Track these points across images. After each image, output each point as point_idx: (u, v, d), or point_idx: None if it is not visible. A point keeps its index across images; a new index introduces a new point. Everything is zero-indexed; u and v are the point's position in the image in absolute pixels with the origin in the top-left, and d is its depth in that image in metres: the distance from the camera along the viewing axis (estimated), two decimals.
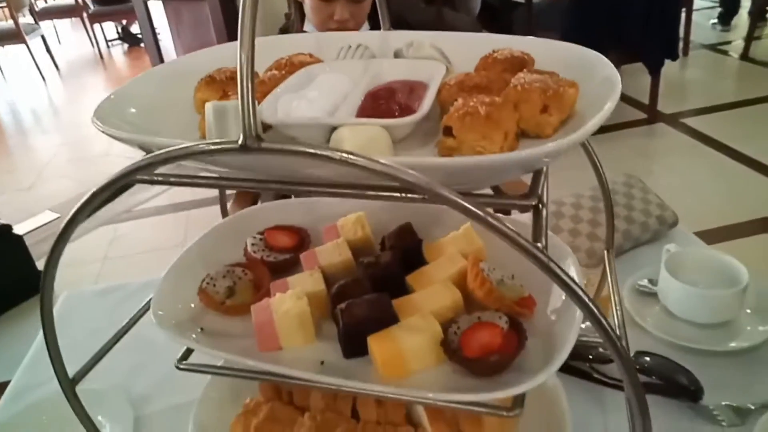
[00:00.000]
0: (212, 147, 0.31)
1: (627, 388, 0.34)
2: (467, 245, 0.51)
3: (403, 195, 0.33)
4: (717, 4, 5.19)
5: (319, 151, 0.29)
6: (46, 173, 4.13)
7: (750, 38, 4.50)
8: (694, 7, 4.77)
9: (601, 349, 0.83)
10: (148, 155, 0.33)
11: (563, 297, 0.46)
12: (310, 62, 0.48)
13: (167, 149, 0.32)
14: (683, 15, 4.54)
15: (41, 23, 6.64)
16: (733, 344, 0.82)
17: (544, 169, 0.34)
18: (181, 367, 0.48)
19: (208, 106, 0.39)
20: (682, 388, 0.76)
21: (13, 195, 3.83)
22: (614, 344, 0.33)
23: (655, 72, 3.57)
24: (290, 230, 0.57)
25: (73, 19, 7.98)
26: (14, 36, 5.79)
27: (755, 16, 4.49)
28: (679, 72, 4.47)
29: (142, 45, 6.95)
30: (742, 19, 5.02)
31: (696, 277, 0.87)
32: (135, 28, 7.03)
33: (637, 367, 0.79)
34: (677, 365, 0.79)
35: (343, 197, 0.39)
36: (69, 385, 0.49)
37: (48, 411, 0.84)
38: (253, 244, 0.56)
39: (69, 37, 8.14)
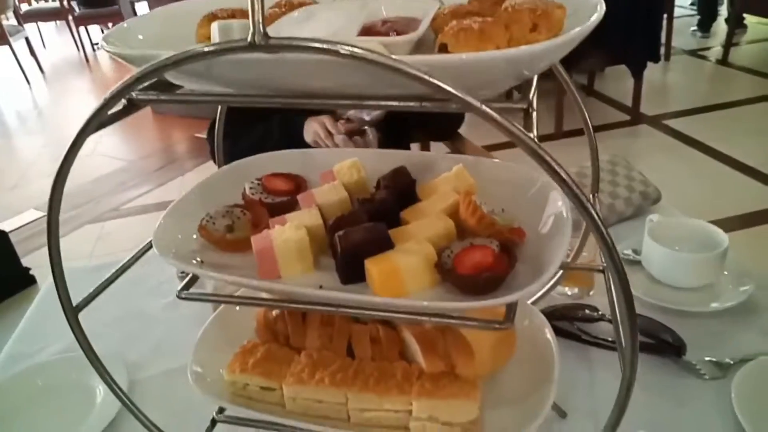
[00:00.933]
0: (220, 47, 0.32)
1: (607, 262, 0.36)
2: (459, 184, 0.53)
3: (408, 103, 0.35)
4: (696, 12, 5.32)
5: (327, 46, 0.30)
6: (30, 173, 4.10)
7: (728, 44, 4.62)
8: (675, 14, 4.89)
9: (587, 311, 0.85)
10: (156, 61, 0.34)
11: (551, 226, 0.48)
12: (309, 2, 0.50)
13: (174, 53, 0.33)
14: (665, 21, 4.66)
15: (26, 26, 6.60)
16: (714, 305, 0.85)
17: (534, 78, 0.37)
18: (183, 296, 0.49)
19: (214, 25, 0.41)
20: (666, 344, 0.79)
21: None
22: (593, 219, 0.34)
23: (638, 74, 3.65)
24: (287, 176, 0.59)
25: (58, 22, 7.94)
26: None
27: (732, 23, 4.61)
28: (661, 76, 4.56)
29: None
30: (721, 26, 5.14)
31: (677, 243, 0.90)
32: None
33: None
34: (661, 324, 0.81)
35: (346, 108, 0.41)
36: (72, 312, 0.50)
37: (42, 375, 0.85)
38: (251, 188, 0.57)
39: (54, 40, 8.08)
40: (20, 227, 3.26)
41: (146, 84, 0.40)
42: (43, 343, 0.95)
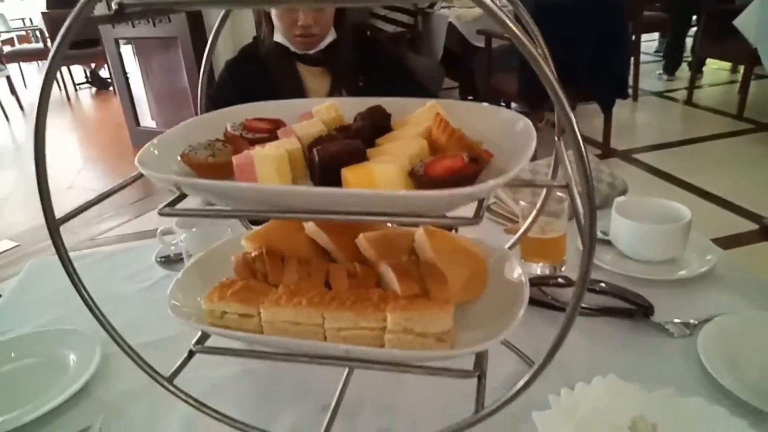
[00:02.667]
0: None
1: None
2: (431, 115, 0.56)
3: None
4: (661, 58, 5.60)
5: None
6: (5, 206, 4.04)
7: (692, 86, 4.87)
8: (642, 60, 5.15)
9: (559, 279, 0.88)
10: None
11: (515, 146, 0.51)
12: None
13: None
14: (632, 65, 4.89)
15: (8, 65, 6.64)
16: (680, 273, 0.89)
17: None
18: (165, 212, 0.50)
19: None
20: (635, 307, 0.81)
21: None
22: (569, 118, 0.37)
23: (607, 110, 3.80)
24: (268, 120, 0.61)
25: (41, 62, 8.00)
26: None
27: (695, 67, 4.86)
28: (630, 115, 4.76)
29: (110, 89, 7.00)
30: (685, 70, 5.42)
31: (643, 220, 0.94)
32: (104, 72, 7.08)
33: (596, 289, 0.84)
34: (630, 291, 0.84)
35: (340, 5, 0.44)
36: (54, 224, 0.51)
37: (18, 347, 0.84)
38: (232, 127, 0.60)
39: (35, 80, 8.12)
40: None
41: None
42: (13, 325, 0.94)
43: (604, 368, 0.70)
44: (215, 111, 0.64)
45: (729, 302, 0.84)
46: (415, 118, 0.57)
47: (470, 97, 4.11)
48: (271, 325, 0.54)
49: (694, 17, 5.13)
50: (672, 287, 0.88)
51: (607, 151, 3.90)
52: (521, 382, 0.50)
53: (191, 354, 0.58)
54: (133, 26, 4.37)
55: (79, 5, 0.41)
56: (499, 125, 0.56)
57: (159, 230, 1.05)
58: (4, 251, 3.31)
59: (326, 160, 0.48)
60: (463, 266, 0.59)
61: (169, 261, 1.05)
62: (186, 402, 0.57)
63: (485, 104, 0.59)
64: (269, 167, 0.49)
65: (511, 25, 0.34)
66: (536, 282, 0.86)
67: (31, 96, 7.17)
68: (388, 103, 0.61)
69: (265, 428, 0.58)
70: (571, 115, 0.39)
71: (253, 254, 0.61)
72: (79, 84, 7.32)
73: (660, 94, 5.16)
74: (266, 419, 0.68)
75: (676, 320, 0.80)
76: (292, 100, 0.66)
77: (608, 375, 0.67)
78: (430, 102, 0.58)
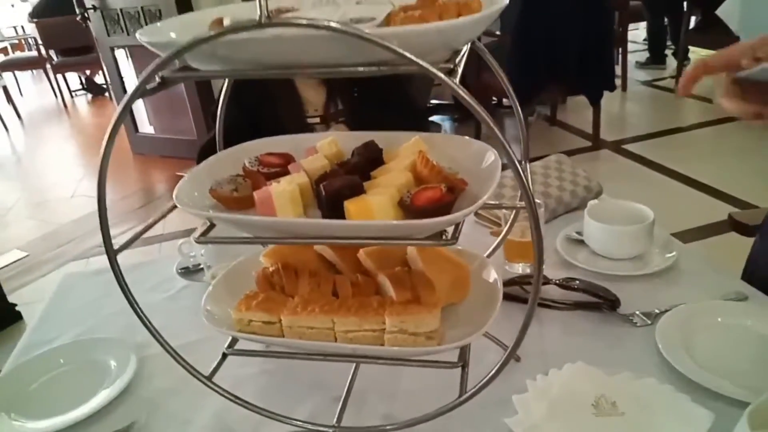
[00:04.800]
0: (237, 26, 0.46)
1: (516, 179, 0.50)
2: (416, 150, 0.67)
3: (371, 68, 0.48)
4: (646, 48, 5.69)
5: (314, 22, 0.44)
6: (10, 217, 4.14)
7: (679, 75, 4.95)
8: (630, 49, 5.25)
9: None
10: (177, 46, 0.48)
11: (485, 175, 0.62)
12: (293, 10, 0.64)
13: (194, 37, 0.47)
14: (620, 55, 4.99)
15: (3, 74, 6.70)
16: (644, 270, 1.00)
17: (463, 49, 0.51)
18: (200, 240, 0.61)
19: (226, 19, 0.55)
20: (603, 301, 0.92)
21: None
22: (513, 162, 0.48)
23: (595, 103, 3.91)
24: (279, 154, 0.72)
25: (35, 71, 8.07)
26: None
27: (681, 56, 4.95)
28: (619, 105, 4.86)
29: (106, 94, 7.08)
30: (672, 59, 5.52)
31: (612, 222, 1.05)
32: (99, 78, 7.14)
33: (572, 286, 0.95)
34: (599, 285, 0.95)
35: (331, 76, 0.54)
36: (113, 252, 0.61)
37: (65, 355, 0.95)
38: (249, 163, 0.70)
39: (31, 88, 8.19)
40: (4, 267, 3.31)
41: (176, 68, 0.53)
42: (56, 334, 1.05)
43: (576, 356, 0.81)
44: (233, 148, 0.75)
45: (688, 294, 0.95)
46: (403, 151, 0.68)
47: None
48: (291, 329, 0.65)
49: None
50: (638, 282, 0.99)
51: (596, 143, 4.02)
52: (495, 368, 0.61)
53: (224, 356, 0.69)
54: (128, 34, 4.47)
55: (139, 80, 0.51)
56: (472, 155, 0.67)
57: (179, 243, 1.16)
58: (15, 261, 3.41)
59: (331, 194, 0.59)
60: (449, 273, 0.70)
61: (189, 272, 1.16)
62: (223, 396, 0.68)
63: (461, 137, 0.70)
64: (285, 200, 0.60)
65: (452, 84, 0.45)
66: (518, 281, 0.98)
67: (27, 105, 7.25)
68: (379, 137, 0.71)
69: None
70: (514, 156, 0.49)
71: (271, 269, 0.72)
72: (74, 91, 7.39)
73: (649, 84, 5.27)
74: (286, 410, 0.79)
75: (639, 312, 0.91)
76: (297, 135, 0.77)
77: (577, 362, 0.78)
78: (414, 138, 0.69)
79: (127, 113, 0.49)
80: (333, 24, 0.44)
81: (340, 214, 0.59)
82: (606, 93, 3.85)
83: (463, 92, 0.45)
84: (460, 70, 0.48)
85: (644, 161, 3.69)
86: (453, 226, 0.56)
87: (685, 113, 4.58)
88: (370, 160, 0.67)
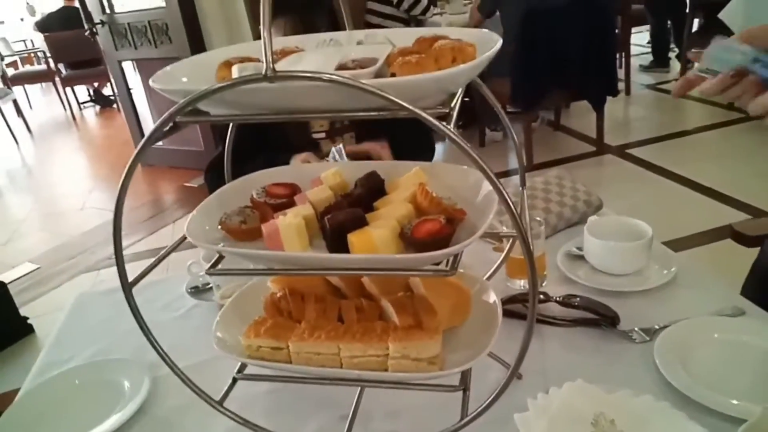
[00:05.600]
0: (244, 79, 0.49)
1: (511, 220, 0.52)
2: (416, 180, 0.70)
3: (371, 114, 0.51)
4: (650, 51, 5.69)
5: (316, 75, 0.47)
6: (21, 229, 4.20)
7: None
8: (634, 52, 5.26)
9: (541, 296, 1.01)
10: (190, 95, 0.51)
11: (482, 206, 0.65)
12: (297, 51, 0.67)
13: (213, 86, 0.50)
14: (623, 59, 5.00)
15: (13, 88, 6.80)
16: (643, 286, 1.02)
17: (458, 92, 0.54)
18: (211, 272, 0.64)
19: (234, 67, 0.58)
20: (603, 317, 0.95)
21: None
22: (505, 199, 0.51)
23: (599, 108, 3.93)
24: (285, 185, 0.75)
25: (44, 84, 8.18)
26: None
27: (684, 59, 4.96)
28: (623, 109, 4.87)
29: (114, 106, 7.16)
30: (676, 61, 5.52)
31: (612, 238, 1.07)
32: (107, 90, 7.24)
33: (573, 304, 0.97)
34: (599, 302, 0.97)
35: (333, 119, 0.57)
36: (128, 286, 0.64)
37: (80, 376, 0.98)
38: (257, 194, 0.73)
39: (40, 101, 8.29)
40: (16, 279, 3.36)
41: (186, 111, 0.56)
42: (72, 354, 1.08)
43: (576, 373, 0.84)
44: (240, 179, 0.78)
45: (686, 309, 0.97)
46: (404, 182, 0.71)
47: (466, 99, 4.22)
48: (298, 355, 0.68)
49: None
50: (637, 297, 1.02)
51: (601, 148, 4.03)
52: (496, 391, 0.63)
53: (234, 381, 0.72)
54: (135, 48, 4.53)
55: (155, 126, 0.54)
56: (471, 185, 0.70)
57: (188, 264, 1.19)
58: (27, 274, 3.47)
59: (335, 227, 0.62)
60: (450, 298, 0.73)
61: (198, 291, 1.19)
62: (233, 420, 0.71)
63: (460, 167, 0.73)
64: (291, 233, 0.63)
65: (446, 131, 0.47)
66: (519, 298, 1.00)
67: (37, 117, 7.34)
68: (381, 167, 0.74)
69: None
70: (504, 192, 0.51)
71: (278, 295, 0.75)
72: (83, 103, 7.48)
73: (653, 87, 5.27)
74: (295, 428, 0.82)
75: (638, 328, 0.93)
76: (302, 165, 0.80)
77: (577, 380, 0.81)
78: (415, 168, 0.72)
79: (143, 156, 0.52)
80: (336, 77, 0.47)
81: (344, 246, 0.62)
82: (610, 97, 3.87)
83: (456, 137, 0.47)
84: (454, 114, 0.51)
85: (648, 165, 3.70)
86: (452, 257, 0.59)
87: (690, 116, 4.58)
88: (372, 190, 0.70)
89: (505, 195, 0.51)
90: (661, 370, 0.82)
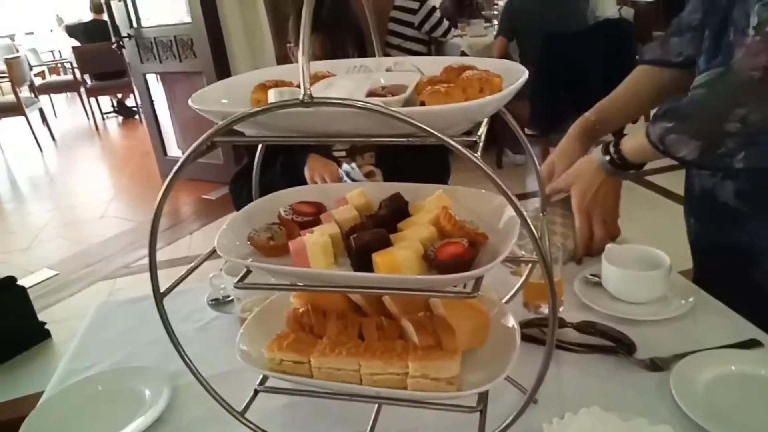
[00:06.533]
0: (282, 104, 0.51)
1: (534, 246, 0.54)
2: (440, 203, 0.72)
3: (401, 139, 0.53)
4: None
5: (350, 102, 0.49)
6: (41, 236, 4.27)
7: None
8: None
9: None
10: (229, 117, 0.53)
11: (505, 230, 0.67)
12: (328, 76, 0.70)
13: (243, 111, 0.52)
14: None
15: (40, 97, 6.97)
16: (661, 316, 1.02)
17: (484, 121, 0.56)
18: (238, 286, 0.66)
19: (271, 91, 0.60)
20: (619, 344, 0.95)
21: (11, 255, 3.96)
22: (528, 226, 0.52)
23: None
24: (311, 203, 0.77)
25: (69, 94, 8.37)
26: (15, 109, 6.08)
27: None
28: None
29: (136, 117, 7.30)
30: None
31: (629, 266, 1.08)
32: (130, 102, 7.38)
33: (589, 330, 0.98)
34: (616, 330, 0.98)
35: (366, 143, 0.59)
36: (159, 296, 0.66)
37: (103, 382, 1.00)
38: (284, 211, 0.76)
39: (65, 110, 8.47)
40: (34, 285, 3.41)
41: (222, 131, 0.59)
42: (92, 362, 1.11)
43: (591, 399, 0.84)
44: (268, 196, 0.80)
45: (704, 339, 0.97)
46: (428, 205, 0.73)
47: None
48: (319, 370, 0.69)
49: None
50: (654, 326, 1.02)
51: None
52: (513, 415, 0.64)
53: (256, 393, 0.73)
54: (160, 61, 4.63)
55: (194, 146, 0.57)
56: (494, 209, 0.72)
57: (210, 276, 1.22)
58: (45, 280, 3.52)
59: (361, 247, 0.64)
60: (469, 319, 0.74)
61: (219, 303, 1.21)
62: (253, 431, 0.72)
63: (484, 191, 0.75)
64: (318, 251, 0.65)
65: (474, 158, 0.49)
66: (537, 323, 1.01)
67: (61, 126, 7.50)
68: (405, 189, 0.76)
69: None
70: (527, 219, 0.53)
71: (301, 310, 0.77)
72: (106, 113, 7.63)
73: None
74: None
75: (655, 357, 0.93)
76: (328, 185, 0.83)
77: (592, 406, 0.81)
78: (438, 191, 0.74)
79: (180, 174, 0.55)
80: (369, 105, 0.50)
81: (368, 265, 0.63)
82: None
83: (483, 166, 0.49)
84: (481, 143, 0.53)
85: (666, 192, 3.69)
86: (474, 280, 0.60)
87: None
88: (396, 211, 0.72)
89: (529, 223, 0.53)
90: (677, 401, 0.83)
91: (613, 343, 0.96)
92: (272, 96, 0.60)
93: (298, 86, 0.51)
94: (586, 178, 1.18)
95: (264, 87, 0.67)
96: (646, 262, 1.08)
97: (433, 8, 4.24)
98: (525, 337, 0.92)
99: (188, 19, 4.24)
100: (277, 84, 0.67)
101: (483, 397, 0.68)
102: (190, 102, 0.61)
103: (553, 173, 1.28)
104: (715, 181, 1.13)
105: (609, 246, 1.13)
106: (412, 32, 4.30)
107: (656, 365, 0.92)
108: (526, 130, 3.96)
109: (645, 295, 1.06)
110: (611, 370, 0.94)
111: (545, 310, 1.08)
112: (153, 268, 0.63)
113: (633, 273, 1.05)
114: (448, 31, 4.34)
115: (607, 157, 1.15)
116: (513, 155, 4.44)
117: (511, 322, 0.75)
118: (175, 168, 0.58)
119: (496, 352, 0.73)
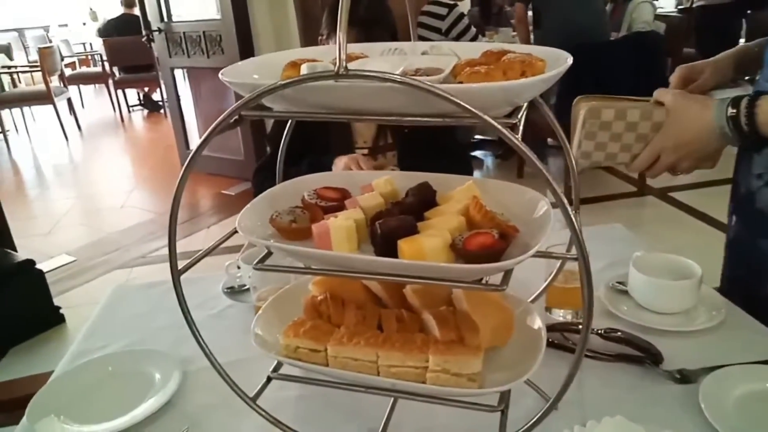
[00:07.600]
0: (316, 75, 0.49)
1: (573, 239, 0.51)
2: (469, 194, 0.69)
3: (435, 119, 0.51)
4: None
5: (389, 76, 0.47)
6: (62, 222, 4.32)
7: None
8: None
9: (579, 326, 0.98)
10: (258, 89, 0.51)
11: (537, 224, 0.64)
12: (362, 57, 0.68)
13: (274, 82, 0.50)
14: None
15: (69, 87, 7.07)
16: (691, 325, 0.98)
17: (523, 105, 0.53)
18: (258, 267, 0.64)
19: (304, 66, 0.59)
20: (646, 353, 0.91)
21: (32, 239, 4.00)
22: (568, 215, 0.50)
23: None
24: (336, 189, 0.75)
25: (97, 85, 8.49)
26: (44, 97, 6.18)
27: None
28: None
29: (161, 111, 7.38)
30: None
31: (658, 275, 1.04)
32: (155, 96, 7.47)
33: (613, 337, 0.95)
34: (643, 339, 0.94)
35: (397, 123, 0.57)
36: (177, 273, 0.65)
37: (113, 363, 0.99)
38: (308, 195, 0.74)
39: (92, 101, 8.60)
40: (52, 270, 3.45)
41: (252, 105, 0.57)
42: (105, 343, 1.10)
43: (614, 408, 0.80)
44: (291, 181, 0.79)
45: (733, 354, 0.93)
46: (456, 195, 0.70)
47: None
48: (335, 359, 0.67)
49: None
50: (683, 338, 0.98)
51: (642, 189, 3.96)
52: (536, 416, 0.61)
53: (269, 379, 0.71)
54: (188, 56, 4.67)
55: (222, 117, 0.55)
56: (525, 203, 0.69)
57: (226, 264, 1.20)
58: (63, 265, 3.56)
59: (386, 233, 0.61)
60: (493, 317, 0.71)
61: (234, 292, 1.20)
62: (265, 418, 0.70)
63: (515, 185, 0.72)
64: (342, 235, 0.63)
65: (516, 141, 0.47)
66: (559, 328, 0.97)
67: (88, 116, 7.60)
68: (434, 179, 0.74)
69: None
70: (570, 210, 0.51)
71: (319, 298, 0.75)
72: (132, 106, 7.72)
73: None
74: None
75: (683, 368, 0.90)
76: (353, 172, 0.81)
77: (616, 416, 0.78)
78: (469, 182, 0.71)
79: (207, 145, 0.53)
80: (407, 80, 0.47)
81: (392, 252, 0.61)
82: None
83: (526, 149, 0.47)
84: (521, 127, 0.51)
85: (690, 210, 3.62)
86: (502, 273, 0.58)
87: (733, 163, 4.46)
88: (423, 201, 0.70)
89: (571, 214, 0.50)
90: (706, 415, 0.79)
91: (639, 353, 0.92)
92: (305, 69, 0.58)
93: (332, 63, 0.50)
94: (689, 134, 0.98)
95: (295, 64, 0.65)
96: (675, 272, 1.04)
97: (461, 15, 4.22)
98: (546, 342, 0.89)
99: (218, 16, 4.28)
100: (309, 60, 0.66)
101: (505, 397, 0.65)
102: (220, 75, 0.60)
103: (690, 81, 1.12)
104: (759, 185, 1.09)
105: (637, 254, 1.09)
106: (439, 38, 4.29)
107: (685, 377, 0.88)
108: (549, 140, 3.91)
109: (675, 305, 1.02)
110: (635, 379, 0.90)
111: (568, 316, 1.04)
112: (172, 242, 0.61)
113: (663, 282, 1.01)
114: (475, 38, 4.31)
115: (729, 118, 0.90)
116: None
117: (537, 323, 0.73)
118: (202, 139, 0.56)
119: (519, 352, 0.70)
